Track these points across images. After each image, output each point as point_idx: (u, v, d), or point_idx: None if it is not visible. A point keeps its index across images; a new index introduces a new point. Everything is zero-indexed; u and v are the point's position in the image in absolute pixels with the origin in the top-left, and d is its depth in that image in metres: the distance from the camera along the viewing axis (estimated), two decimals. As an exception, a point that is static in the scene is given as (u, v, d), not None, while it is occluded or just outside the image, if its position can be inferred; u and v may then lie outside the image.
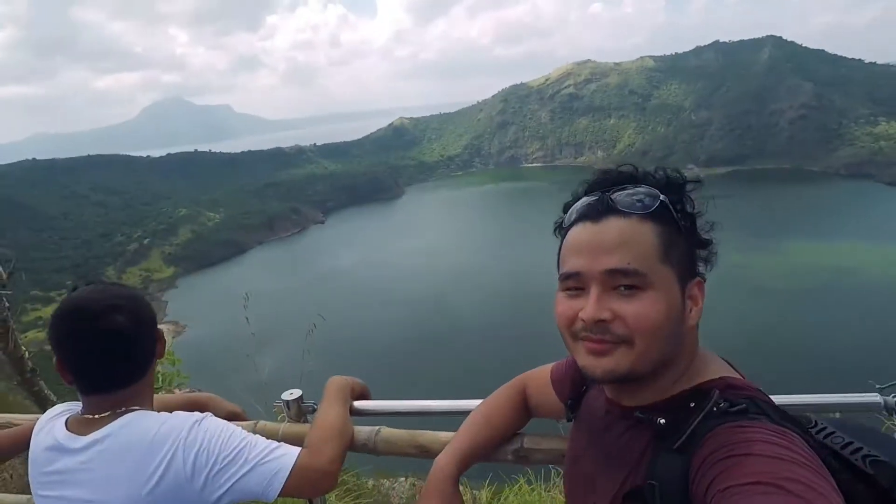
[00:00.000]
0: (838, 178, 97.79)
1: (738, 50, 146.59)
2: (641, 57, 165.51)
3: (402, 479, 4.46)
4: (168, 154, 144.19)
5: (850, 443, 0.78)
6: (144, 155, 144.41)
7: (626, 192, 0.82)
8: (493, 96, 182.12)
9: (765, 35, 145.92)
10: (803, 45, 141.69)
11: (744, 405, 0.74)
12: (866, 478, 0.70)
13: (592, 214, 0.83)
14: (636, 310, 0.77)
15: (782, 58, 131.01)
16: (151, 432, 1.05)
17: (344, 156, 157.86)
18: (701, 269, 0.86)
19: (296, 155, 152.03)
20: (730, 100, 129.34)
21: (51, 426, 1.15)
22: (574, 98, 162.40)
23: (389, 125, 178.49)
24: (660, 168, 0.85)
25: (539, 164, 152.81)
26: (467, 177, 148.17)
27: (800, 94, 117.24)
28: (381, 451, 1.41)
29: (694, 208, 0.84)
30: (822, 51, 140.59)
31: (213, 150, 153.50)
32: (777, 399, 0.92)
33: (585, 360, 0.83)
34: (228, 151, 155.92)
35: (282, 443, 1.14)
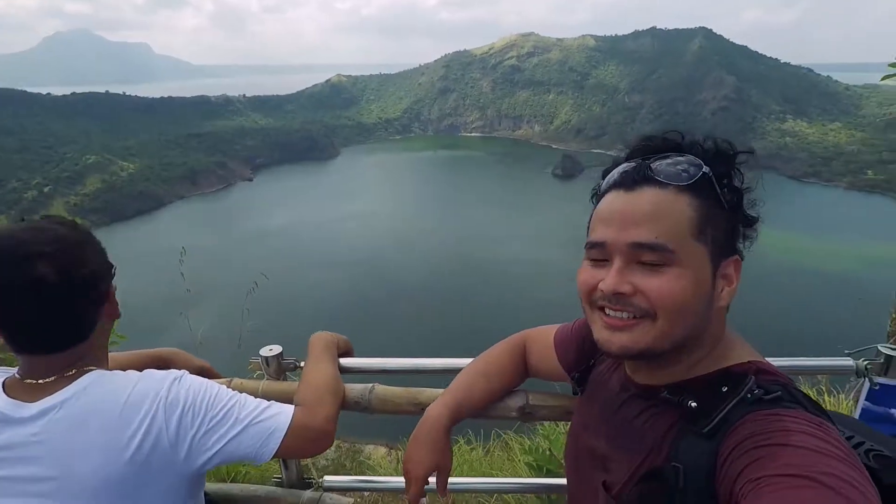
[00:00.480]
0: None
1: (673, 38, 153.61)
2: (583, 35, 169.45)
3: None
4: (73, 93, 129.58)
5: (852, 436, 0.76)
6: (45, 92, 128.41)
7: (667, 160, 0.77)
8: (435, 61, 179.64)
9: (697, 26, 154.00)
10: (730, 40, 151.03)
11: (778, 392, 0.71)
12: (870, 472, 0.66)
13: (627, 182, 0.79)
14: (659, 285, 0.74)
15: (711, 49, 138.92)
16: (124, 394, 0.93)
17: (276, 110, 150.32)
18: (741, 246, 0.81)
19: (223, 105, 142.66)
20: (662, 85, 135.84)
21: None
22: (516, 70, 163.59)
23: (327, 81, 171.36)
24: (710, 137, 0.80)
25: (478, 134, 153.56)
26: (405, 141, 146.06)
27: (723, 87, 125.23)
28: (376, 409, 1.33)
29: (743, 182, 0.79)
30: (746, 47, 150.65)
31: (127, 93, 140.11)
32: None
33: (601, 334, 0.80)
34: (146, 96, 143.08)
35: (272, 401, 1.07)
